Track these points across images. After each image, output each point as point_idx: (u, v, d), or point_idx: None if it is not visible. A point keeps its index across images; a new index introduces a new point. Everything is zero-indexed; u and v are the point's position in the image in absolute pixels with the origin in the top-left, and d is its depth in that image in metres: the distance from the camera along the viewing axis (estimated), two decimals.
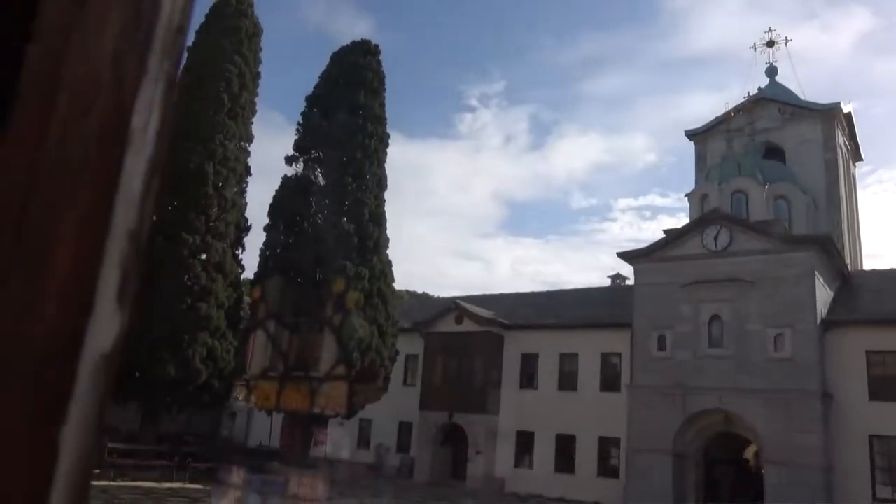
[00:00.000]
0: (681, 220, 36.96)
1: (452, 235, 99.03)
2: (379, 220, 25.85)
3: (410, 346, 29.70)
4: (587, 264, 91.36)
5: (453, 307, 30.06)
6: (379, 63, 26.99)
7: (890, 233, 73.44)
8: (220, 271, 24.76)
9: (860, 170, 36.14)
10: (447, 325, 29.82)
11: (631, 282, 27.35)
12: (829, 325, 22.37)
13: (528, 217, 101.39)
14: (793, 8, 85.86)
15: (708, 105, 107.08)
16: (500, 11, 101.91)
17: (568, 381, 27.44)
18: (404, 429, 30.56)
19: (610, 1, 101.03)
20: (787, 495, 20.76)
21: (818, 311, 22.24)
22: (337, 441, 28.77)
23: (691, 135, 34.53)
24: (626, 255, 26.57)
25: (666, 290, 24.65)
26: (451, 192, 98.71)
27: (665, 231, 26.95)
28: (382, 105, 26.84)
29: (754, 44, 35.35)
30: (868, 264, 32.97)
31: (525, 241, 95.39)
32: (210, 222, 24.81)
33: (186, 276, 23.72)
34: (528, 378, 28.61)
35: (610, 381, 26.32)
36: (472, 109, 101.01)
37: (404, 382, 30.62)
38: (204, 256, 24.40)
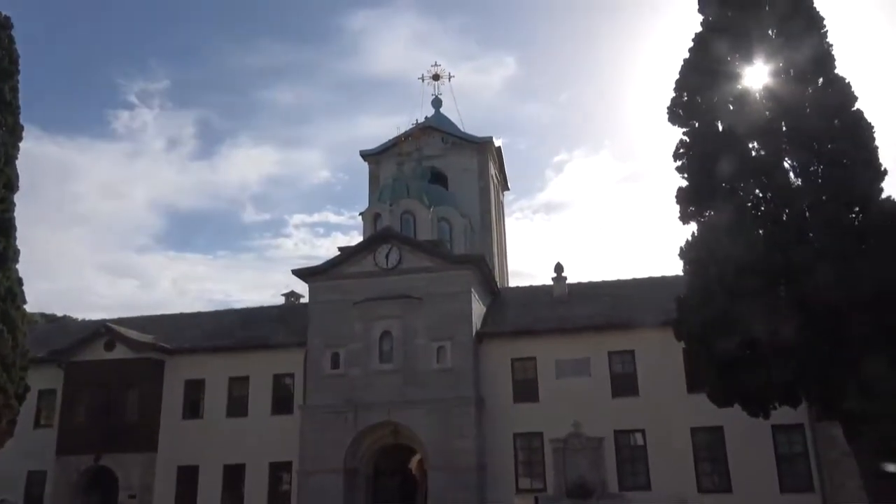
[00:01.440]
0: (354, 238, 37.94)
1: (103, 249, 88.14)
2: (7, 228, 21.38)
3: (46, 379, 25.17)
4: (260, 282, 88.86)
5: (103, 331, 26.28)
6: (11, 39, 22.46)
7: (529, 253, 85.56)
8: None
9: (507, 198, 40.99)
10: (95, 353, 25.93)
11: (306, 300, 26.91)
12: (482, 336, 24.59)
13: (194, 231, 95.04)
14: (455, 48, 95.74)
15: (382, 127, 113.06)
16: (169, 2, 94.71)
17: (238, 406, 25.81)
18: (36, 478, 25.60)
19: (291, 12, 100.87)
20: (448, 497, 22.11)
21: (474, 324, 24.31)
22: None
23: (366, 155, 35.63)
24: (300, 273, 26.05)
25: (340, 307, 24.71)
26: (102, 199, 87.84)
27: (340, 248, 27.15)
28: (15, 90, 22.33)
29: (422, 75, 38.00)
30: (513, 281, 37.44)
31: (191, 257, 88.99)
32: None
33: None
34: (193, 406, 26.24)
35: (283, 404, 25.40)
36: (130, 107, 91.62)
37: (36, 424, 25.84)
38: None
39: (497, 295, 28.40)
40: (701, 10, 19.47)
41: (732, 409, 17.78)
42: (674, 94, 19.20)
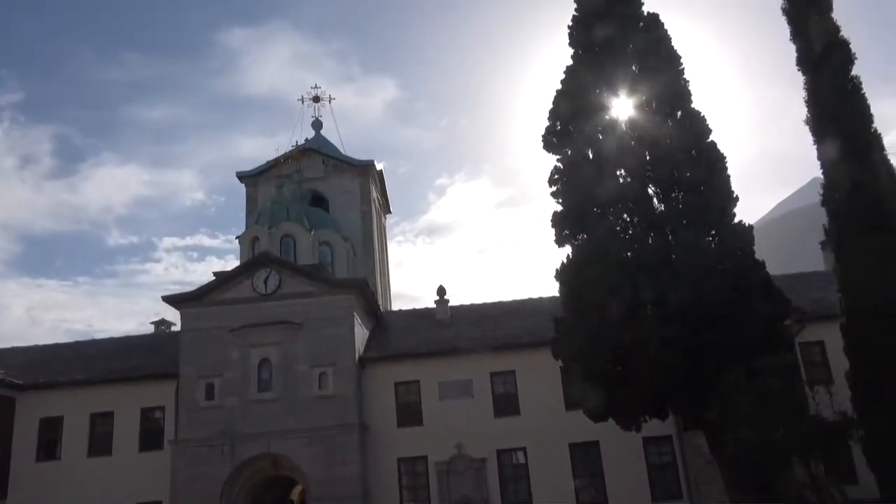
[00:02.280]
0: (230, 263, 36.54)
1: None
2: None
3: None
4: (126, 310, 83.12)
5: None
6: None
7: (412, 277, 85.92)
8: None
9: (389, 221, 41.04)
10: None
11: (178, 328, 25.47)
12: (364, 361, 24.28)
13: (50, 255, 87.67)
14: (336, 69, 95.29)
15: (259, 148, 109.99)
16: (22, 9, 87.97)
17: (101, 445, 23.91)
18: None
19: (161, 25, 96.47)
20: None
21: (356, 349, 23.98)
22: None
23: (243, 177, 34.54)
24: (172, 299, 24.67)
25: (215, 334, 23.61)
26: None
27: (215, 273, 25.98)
28: None
29: (302, 97, 37.51)
30: (396, 304, 37.40)
31: (47, 284, 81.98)
32: None
33: None
34: (50, 447, 24.04)
35: (152, 439, 23.79)
36: None
37: None
38: None
39: (380, 319, 28.23)
40: (571, 44, 20.58)
41: (607, 424, 18.61)
42: (548, 123, 20.09)
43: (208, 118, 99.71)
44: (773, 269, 18.57)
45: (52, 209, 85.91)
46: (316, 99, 37.42)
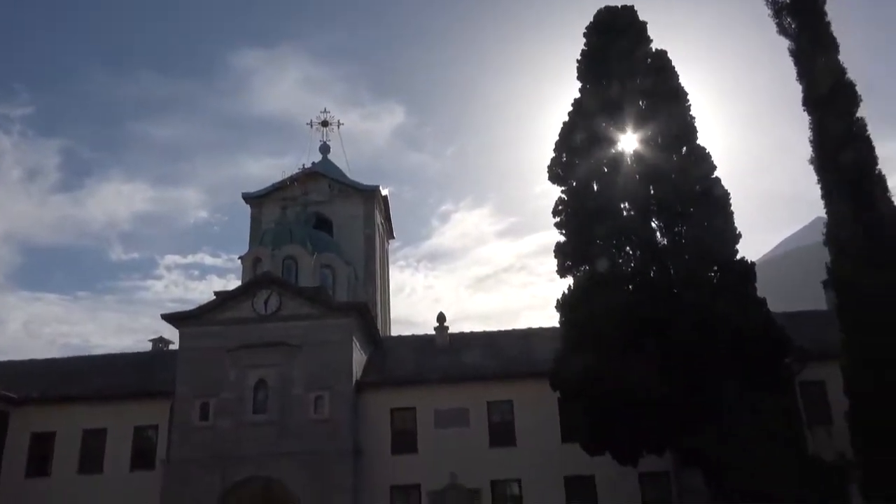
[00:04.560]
0: (231, 283, 36.50)
1: None
2: None
3: None
4: (125, 326, 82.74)
5: None
6: None
7: (413, 302, 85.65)
8: None
9: (392, 246, 41.10)
10: None
11: (176, 346, 25.37)
12: (362, 386, 24.10)
13: (51, 268, 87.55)
14: (344, 93, 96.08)
15: (265, 169, 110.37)
16: (37, 26, 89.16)
17: (92, 462, 23.64)
18: None
19: (173, 44, 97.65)
20: None
21: (354, 374, 23.83)
22: None
23: (248, 198, 34.70)
24: (171, 317, 24.61)
25: (213, 354, 23.49)
26: None
27: (216, 293, 25.96)
28: None
29: (311, 121, 37.82)
30: (396, 330, 37.26)
31: (47, 297, 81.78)
32: None
33: None
34: (40, 463, 23.78)
35: (143, 458, 23.53)
36: None
37: None
38: None
39: (379, 344, 28.10)
40: (580, 78, 20.84)
41: (603, 458, 18.41)
42: (554, 155, 20.27)
43: (217, 138, 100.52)
44: (774, 306, 18.53)
45: (56, 222, 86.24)
46: (325, 123, 37.72)
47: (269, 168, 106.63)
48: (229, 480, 22.20)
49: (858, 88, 16.91)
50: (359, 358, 24.85)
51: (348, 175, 36.50)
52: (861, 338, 15.49)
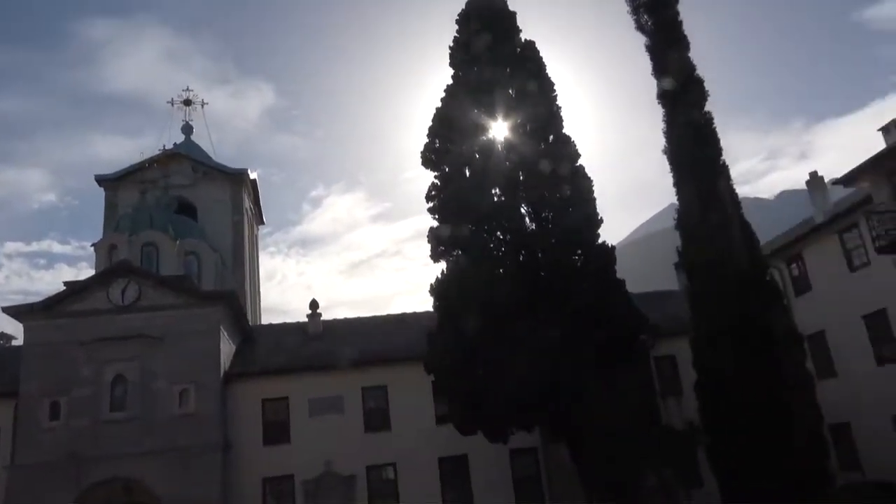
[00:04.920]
0: (84, 272, 33.93)
1: None
2: None
3: None
4: None
5: None
6: None
7: (283, 289, 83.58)
8: None
9: (262, 231, 39.83)
10: None
11: (19, 342, 23.20)
12: (230, 377, 23.25)
13: None
14: (209, 69, 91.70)
15: (121, 150, 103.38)
16: None
17: None
18: None
19: (11, 6, 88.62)
20: None
21: (222, 365, 22.92)
22: None
23: (102, 180, 32.28)
24: (13, 311, 22.48)
25: (63, 349, 21.75)
26: None
27: (66, 283, 24.00)
28: None
29: (172, 99, 35.83)
30: (266, 318, 36.25)
31: None
32: None
33: None
34: None
35: None
36: None
37: None
38: None
39: (248, 333, 27.18)
40: (451, 65, 21.05)
41: (476, 438, 18.93)
42: (427, 140, 20.39)
43: (64, 114, 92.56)
44: (632, 287, 19.78)
45: None
46: (187, 102, 35.84)
47: (125, 149, 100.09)
48: (85, 483, 20.72)
49: (707, 85, 18.25)
50: (227, 349, 23.93)
51: (214, 157, 34.97)
52: (705, 315, 16.83)
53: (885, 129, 21.35)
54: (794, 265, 24.56)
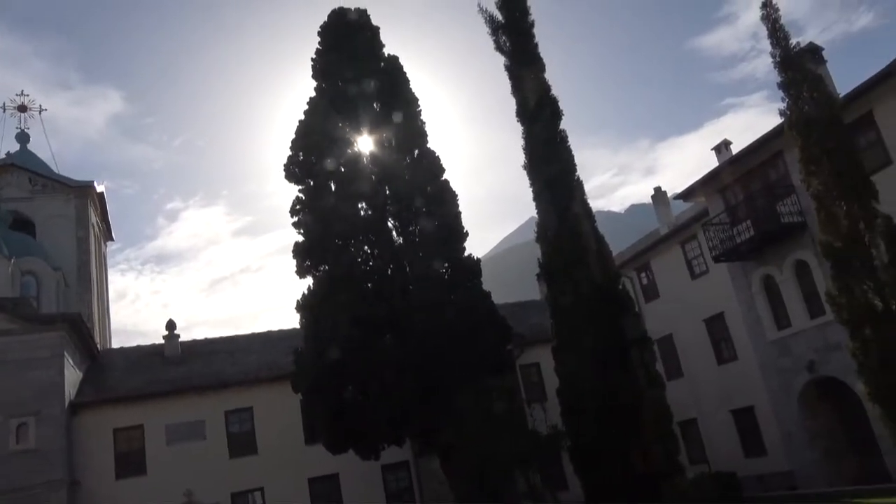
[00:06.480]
0: None
1: None
2: None
3: None
4: None
5: None
6: None
7: (136, 310, 78.25)
8: None
9: (111, 248, 37.13)
10: None
11: None
12: (77, 407, 21.42)
13: None
14: (48, 72, 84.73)
15: None
16: None
17: None
18: None
19: None
20: None
21: (67, 394, 21.05)
22: None
23: None
24: None
25: None
26: None
27: None
28: None
29: (3, 104, 32.65)
30: (118, 341, 33.77)
31: None
32: None
33: None
34: None
35: None
36: None
37: None
38: None
39: (96, 358, 25.17)
40: (315, 77, 20.75)
41: (347, 455, 18.63)
42: (290, 154, 19.93)
43: None
44: (497, 298, 20.36)
45: None
46: (22, 108, 32.81)
47: None
48: None
49: (561, 104, 19.21)
50: (73, 376, 22.04)
51: (54, 168, 32.22)
52: (564, 323, 17.64)
53: (717, 149, 23.50)
54: (643, 274, 26.38)
